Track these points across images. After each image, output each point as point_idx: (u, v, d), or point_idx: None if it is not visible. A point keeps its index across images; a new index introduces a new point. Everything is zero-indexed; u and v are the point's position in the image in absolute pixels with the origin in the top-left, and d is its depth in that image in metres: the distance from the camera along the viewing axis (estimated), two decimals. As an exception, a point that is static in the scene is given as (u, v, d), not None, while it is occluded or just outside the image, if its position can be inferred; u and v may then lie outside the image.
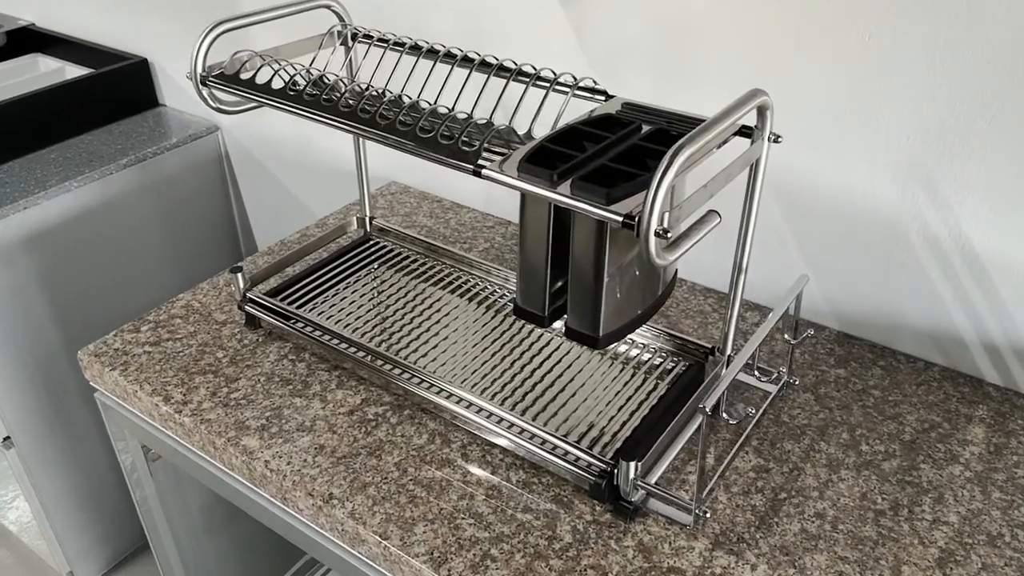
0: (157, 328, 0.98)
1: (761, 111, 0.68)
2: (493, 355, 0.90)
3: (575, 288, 0.68)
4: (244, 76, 0.82)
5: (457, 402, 0.81)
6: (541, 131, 0.71)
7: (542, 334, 0.93)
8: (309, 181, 1.47)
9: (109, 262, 1.42)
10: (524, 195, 0.67)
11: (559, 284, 0.72)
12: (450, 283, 1.01)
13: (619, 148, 0.68)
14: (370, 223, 1.09)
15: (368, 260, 1.05)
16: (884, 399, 0.87)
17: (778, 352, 0.94)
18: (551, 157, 0.67)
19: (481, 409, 0.80)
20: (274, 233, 1.61)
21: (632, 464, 0.70)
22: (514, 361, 0.89)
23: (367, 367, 0.86)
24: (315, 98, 0.75)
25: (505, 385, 0.86)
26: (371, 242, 1.08)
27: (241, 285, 0.94)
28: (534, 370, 0.88)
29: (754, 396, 0.87)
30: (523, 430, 0.77)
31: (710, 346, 0.86)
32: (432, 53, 0.84)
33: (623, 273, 0.67)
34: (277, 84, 0.80)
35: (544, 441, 0.76)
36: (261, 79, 0.81)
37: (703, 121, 0.71)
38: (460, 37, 1.11)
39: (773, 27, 0.87)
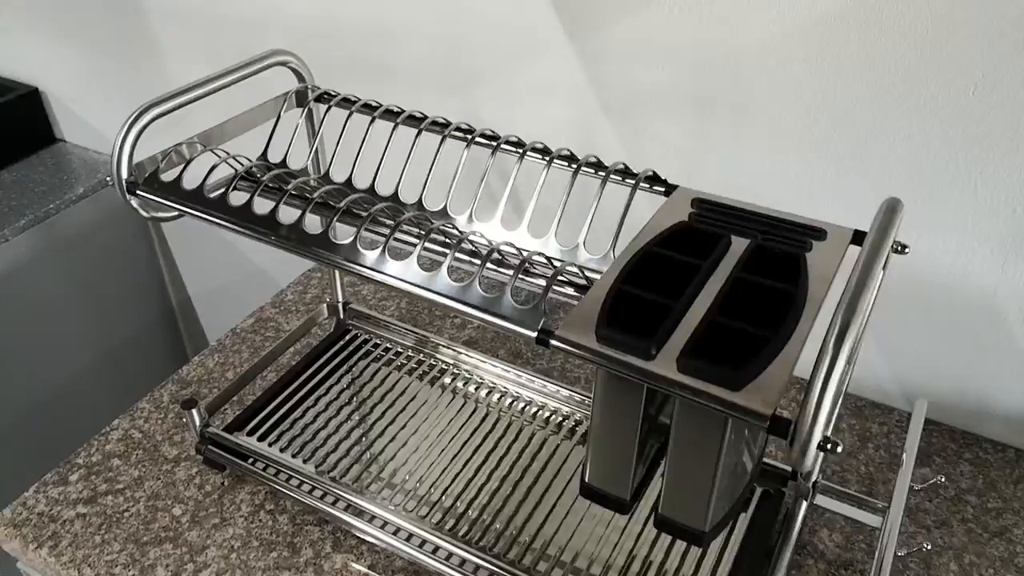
0: (90, 475, 0.77)
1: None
2: (515, 486, 0.74)
3: (676, 477, 0.51)
4: (187, 176, 0.62)
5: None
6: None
7: (572, 452, 0.77)
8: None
9: (11, 347, 1.18)
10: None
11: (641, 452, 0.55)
12: (454, 390, 0.83)
13: (716, 285, 0.51)
14: (344, 309, 0.89)
15: (347, 363, 0.85)
16: (983, 507, 0.75)
17: (852, 453, 0.80)
18: (634, 306, 0.50)
19: (527, 585, 0.64)
20: (212, 291, 1.39)
21: None
22: (543, 493, 0.73)
23: (367, 533, 0.69)
24: (295, 224, 0.56)
25: (539, 529, 0.70)
26: (348, 336, 0.88)
27: (197, 422, 0.74)
28: (573, 503, 0.72)
29: (835, 519, 0.73)
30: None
31: (789, 469, 0.71)
32: (439, 126, 0.66)
33: (733, 455, 0.51)
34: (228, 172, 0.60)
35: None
36: (211, 175, 0.61)
37: (803, 227, 0.55)
38: (441, 79, 0.92)
39: (847, 72, 0.71)
